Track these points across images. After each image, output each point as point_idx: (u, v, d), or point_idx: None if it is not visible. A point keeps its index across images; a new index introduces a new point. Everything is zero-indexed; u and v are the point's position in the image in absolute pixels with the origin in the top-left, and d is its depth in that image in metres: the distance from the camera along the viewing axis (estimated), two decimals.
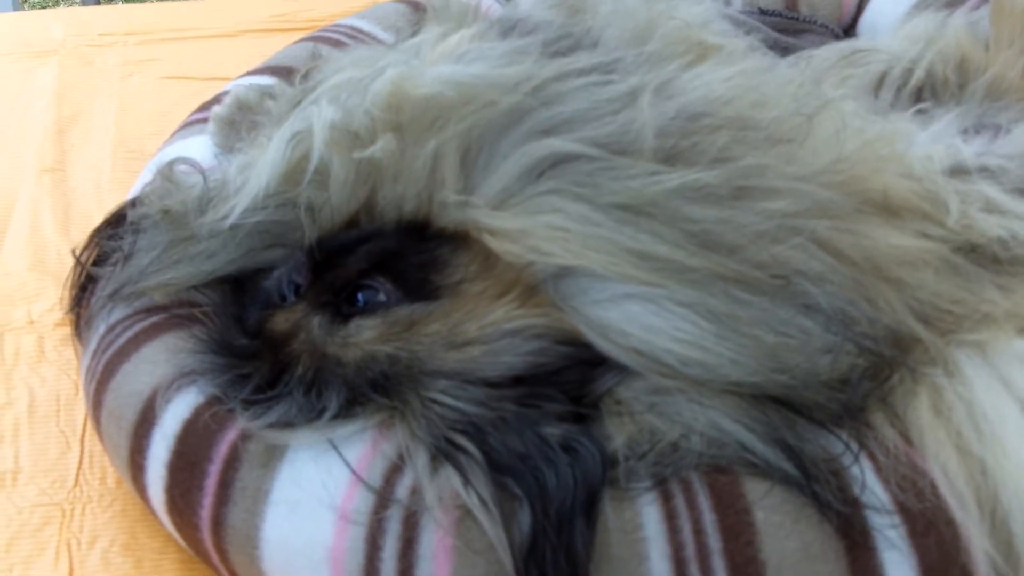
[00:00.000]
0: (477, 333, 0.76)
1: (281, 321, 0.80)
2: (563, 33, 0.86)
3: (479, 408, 0.73)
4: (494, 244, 0.76)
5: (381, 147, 0.79)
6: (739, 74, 0.81)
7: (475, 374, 0.75)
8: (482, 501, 0.70)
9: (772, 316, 0.72)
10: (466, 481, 0.70)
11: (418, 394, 0.75)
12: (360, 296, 0.79)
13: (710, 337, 0.71)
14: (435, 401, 0.74)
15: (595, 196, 0.74)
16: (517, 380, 0.75)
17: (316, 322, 0.79)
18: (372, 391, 0.76)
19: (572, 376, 0.76)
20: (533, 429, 0.72)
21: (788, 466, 0.70)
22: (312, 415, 0.76)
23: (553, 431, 0.72)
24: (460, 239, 0.79)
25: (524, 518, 0.69)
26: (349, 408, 0.77)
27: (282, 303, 0.82)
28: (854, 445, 0.71)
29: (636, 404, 0.73)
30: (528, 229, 0.75)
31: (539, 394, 0.75)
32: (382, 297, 0.79)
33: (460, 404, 0.74)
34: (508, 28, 0.88)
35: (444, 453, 0.72)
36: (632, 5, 0.92)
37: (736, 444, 0.71)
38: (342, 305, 0.79)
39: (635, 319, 0.72)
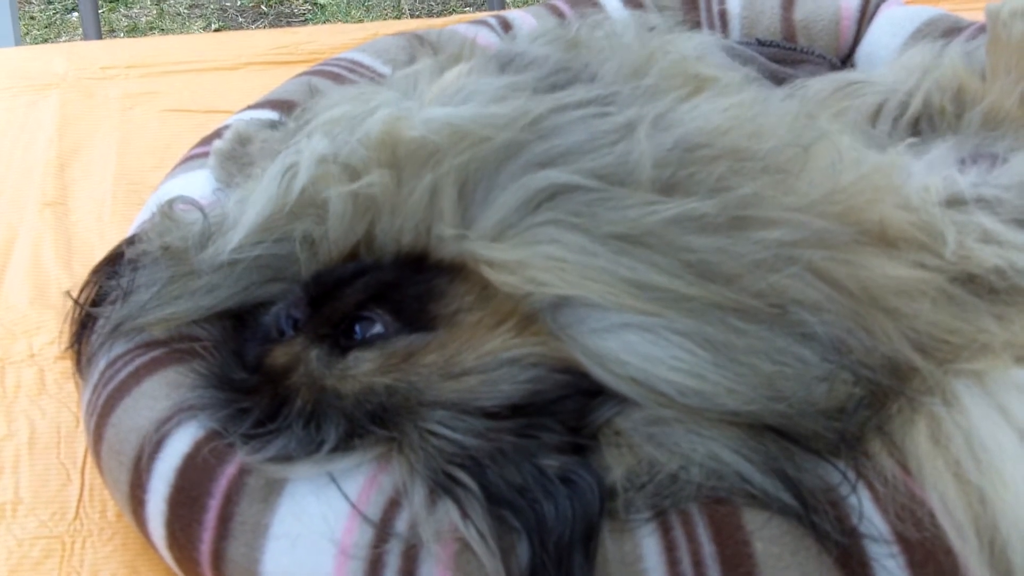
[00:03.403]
0: (474, 363, 0.76)
1: (280, 355, 0.81)
2: (560, 67, 0.87)
3: (477, 440, 0.74)
4: (492, 275, 0.76)
5: (375, 181, 0.80)
6: (736, 105, 0.82)
7: (473, 404, 0.75)
8: (480, 535, 0.70)
9: (769, 345, 0.72)
10: (464, 515, 0.70)
11: (416, 426, 0.75)
12: (358, 328, 0.79)
13: (707, 366, 0.71)
14: (433, 433, 0.74)
15: (593, 226, 0.74)
16: (515, 410, 0.75)
17: (314, 355, 0.79)
18: (371, 423, 0.76)
19: (570, 406, 0.76)
20: (531, 461, 0.72)
21: (786, 496, 0.70)
22: (311, 447, 0.76)
23: (551, 463, 0.72)
24: (457, 270, 0.79)
25: (523, 551, 0.69)
26: (348, 441, 0.77)
27: (280, 337, 0.82)
28: (852, 474, 0.71)
29: (635, 435, 0.73)
30: (526, 260, 0.75)
31: (537, 424, 0.75)
32: (380, 328, 0.79)
33: (458, 436, 0.74)
34: (505, 63, 0.89)
35: (442, 486, 0.73)
36: (629, 40, 0.93)
37: (734, 475, 0.71)
38: (340, 338, 0.80)
39: (633, 348, 0.73)
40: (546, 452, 0.73)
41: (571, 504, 0.70)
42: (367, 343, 0.79)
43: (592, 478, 0.71)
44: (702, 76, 0.89)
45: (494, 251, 0.76)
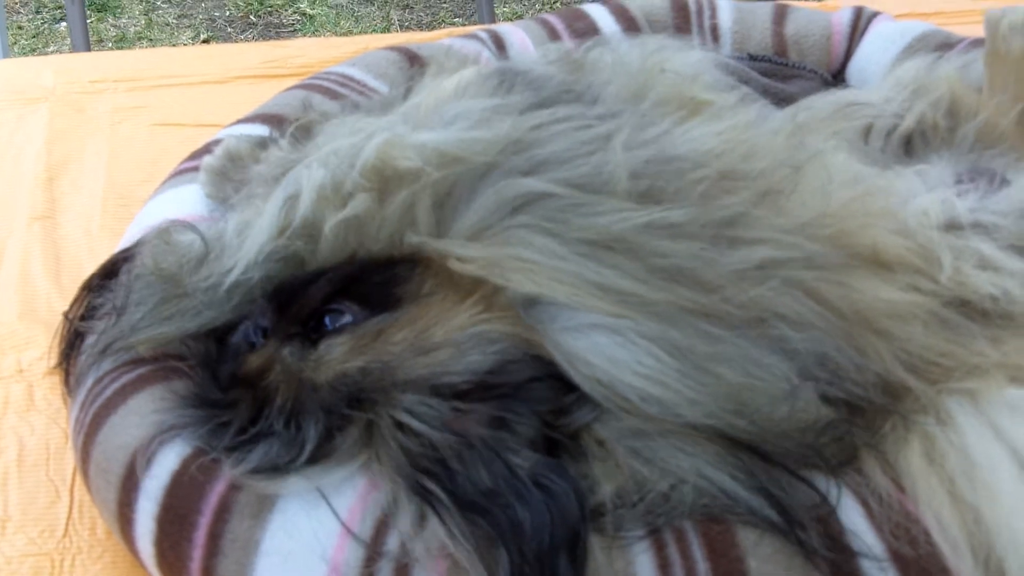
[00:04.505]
0: (444, 337, 0.76)
1: (253, 361, 0.81)
2: (564, 89, 0.86)
3: (445, 434, 0.73)
4: (458, 267, 0.77)
5: (359, 203, 0.80)
6: (730, 128, 0.82)
7: (443, 379, 0.75)
8: (458, 542, 0.69)
9: (742, 354, 0.72)
10: (442, 521, 0.70)
11: (389, 416, 0.75)
12: (327, 320, 0.80)
13: (671, 373, 0.71)
14: (403, 426, 0.74)
15: (563, 231, 0.75)
16: (486, 389, 0.75)
17: (287, 352, 0.79)
18: (347, 408, 0.76)
19: (542, 392, 0.75)
20: (501, 458, 0.72)
21: (771, 513, 0.70)
22: (294, 449, 0.76)
23: (522, 462, 0.72)
24: (423, 261, 0.80)
25: (503, 559, 0.68)
26: (328, 438, 0.77)
27: (252, 349, 0.82)
28: (835, 491, 0.71)
29: (618, 448, 0.73)
30: (494, 258, 0.75)
31: (508, 410, 0.74)
32: (349, 317, 0.79)
33: (425, 429, 0.73)
34: (508, 80, 0.88)
35: (417, 494, 0.73)
36: (628, 60, 0.93)
37: (721, 492, 0.71)
38: (311, 333, 0.80)
39: (600, 350, 0.73)
40: (517, 447, 0.73)
41: (548, 510, 0.69)
42: (338, 331, 0.79)
43: (568, 484, 0.71)
44: (698, 100, 0.89)
45: (463, 248, 0.77)
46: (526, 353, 0.75)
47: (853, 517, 0.71)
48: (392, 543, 0.72)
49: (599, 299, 0.73)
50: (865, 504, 0.72)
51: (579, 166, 0.77)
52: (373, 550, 0.72)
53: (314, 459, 0.76)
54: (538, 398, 0.75)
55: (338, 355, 0.77)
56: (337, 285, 0.81)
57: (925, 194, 0.88)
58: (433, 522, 0.71)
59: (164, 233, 0.91)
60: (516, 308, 0.75)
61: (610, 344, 0.72)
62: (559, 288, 0.74)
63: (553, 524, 0.69)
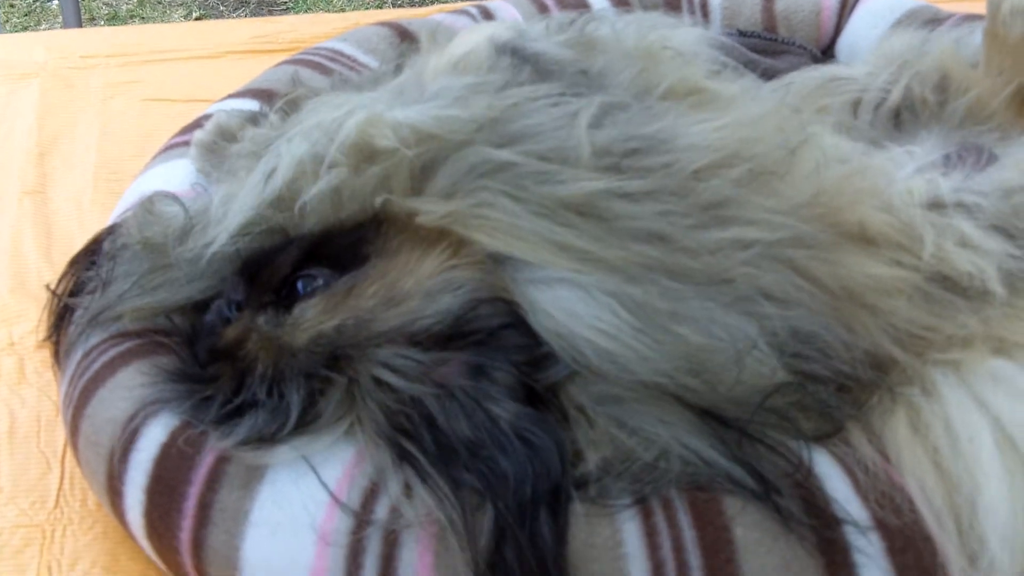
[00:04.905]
0: (413, 285, 0.77)
1: (230, 333, 0.81)
2: (580, 80, 0.86)
3: (425, 385, 0.74)
4: (424, 220, 0.78)
5: (335, 177, 0.81)
6: (731, 124, 0.81)
7: (417, 325, 0.76)
8: (439, 499, 0.70)
9: (707, 315, 0.72)
10: (425, 484, 0.71)
11: (368, 373, 0.75)
12: (300, 285, 0.80)
13: (627, 329, 0.72)
14: (381, 382, 0.75)
15: (523, 195, 0.75)
16: (462, 336, 0.76)
17: (262, 320, 0.80)
18: (326, 369, 0.77)
19: (515, 339, 0.76)
20: (482, 407, 0.72)
21: (750, 481, 0.70)
22: (279, 418, 0.77)
23: (503, 413, 0.72)
24: (389, 220, 0.80)
25: (487, 511, 0.69)
26: (312, 403, 0.77)
27: (228, 324, 0.83)
28: (806, 456, 0.72)
29: (599, 417, 0.73)
30: (458, 211, 0.76)
31: (485, 358, 0.75)
32: (320, 281, 0.80)
33: (404, 383, 0.74)
34: (520, 61, 0.88)
35: (398, 453, 0.73)
36: (626, 37, 0.93)
37: (702, 461, 0.72)
38: (284, 301, 0.80)
39: (561, 303, 0.73)
40: (497, 396, 0.74)
41: (530, 463, 0.70)
42: (310, 295, 0.79)
43: (549, 437, 0.72)
44: (701, 89, 0.89)
45: (428, 204, 0.78)
46: (495, 298, 0.76)
47: (839, 486, 0.72)
48: (381, 511, 0.73)
49: (557, 256, 0.73)
50: (851, 473, 0.73)
51: (546, 140, 0.77)
52: (361, 518, 0.73)
53: (300, 426, 0.77)
54: (512, 345, 0.75)
55: (312, 316, 0.78)
56: (306, 251, 0.81)
57: (911, 172, 0.88)
58: (418, 485, 0.72)
59: (148, 203, 0.91)
60: (483, 258, 0.76)
61: (571, 298, 0.73)
62: (518, 244, 0.74)
63: (535, 477, 0.69)
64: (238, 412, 0.78)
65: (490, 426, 0.72)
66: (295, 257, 0.81)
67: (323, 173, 0.81)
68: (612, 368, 0.72)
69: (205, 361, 0.83)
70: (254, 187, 0.83)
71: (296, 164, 0.82)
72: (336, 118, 0.82)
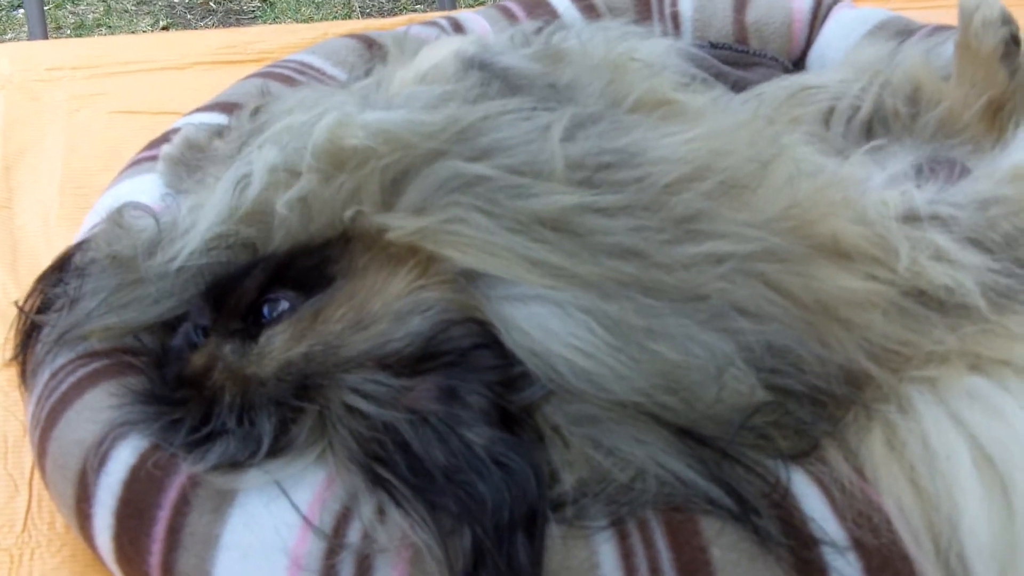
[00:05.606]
0: (381, 307, 0.76)
1: (196, 360, 0.80)
2: (550, 95, 0.86)
3: (397, 412, 0.73)
4: (392, 236, 0.77)
5: (306, 185, 0.79)
6: (702, 136, 0.81)
7: (387, 348, 0.75)
8: (417, 524, 0.69)
9: (683, 332, 0.72)
10: (401, 509, 0.70)
11: (339, 400, 0.74)
12: (265, 310, 0.79)
13: (603, 347, 0.71)
14: (352, 408, 0.74)
15: (496, 210, 0.75)
16: (432, 358, 0.75)
17: (229, 349, 0.79)
18: (296, 399, 0.75)
19: (488, 360, 0.75)
20: (456, 433, 0.72)
21: (728, 501, 0.70)
22: (251, 445, 0.76)
23: (477, 438, 0.72)
24: (355, 237, 0.79)
25: (464, 536, 0.68)
26: (284, 431, 0.76)
27: (195, 349, 0.82)
28: (784, 475, 0.72)
29: (575, 438, 0.73)
30: (428, 228, 0.75)
31: (458, 381, 0.74)
32: (286, 305, 0.79)
33: (376, 410, 0.73)
34: (486, 80, 0.87)
35: (372, 480, 0.72)
36: (594, 48, 0.93)
37: (679, 481, 0.71)
38: (250, 327, 0.79)
39: (536, 320, 0.72)
40: (470, 422, 0.73)
41: (506, 487, 0.69)
42: (276, 320, 0.78)
43: (524, 461, 0.71)
44: (671, 101, 0.89)
45: (397, 220, 0.77)
46: (466, 318, 0.75)
47: (815, 505, 0.72)
48: (354, 535, 0.72)
49: (531, 272, 0.73)
50: (827, 492, 0.72)
51: (518, 153, 0.77)
52: (334, 542, 0.72)
53: (273, 453, 0.76)
54: (485, 366, 0.74)
55: (279, 344, 0.77)
56: (271, 274, 0.80)
57: (885, 184, 0.88)
58: (392, 510, 0.71)
59: (117, 215, 0.90)
60: (454, 276, 0.75)
61: (546, 314, 0.72)
62: (491, 261, 0.74)
63: (513, 501, 0.69)
64: (208, 439, 0.77)
65: (465, 452, 0.71)
66: (260, 281, 0.80)
67: (293, 181, 0.80)
68: (589, 387, 0.71)
69: (173, 386, 0.81)
70: (222, 198, 0.82)
71: (269, 171, 0.81)
72: (307, 121, 0.82)
